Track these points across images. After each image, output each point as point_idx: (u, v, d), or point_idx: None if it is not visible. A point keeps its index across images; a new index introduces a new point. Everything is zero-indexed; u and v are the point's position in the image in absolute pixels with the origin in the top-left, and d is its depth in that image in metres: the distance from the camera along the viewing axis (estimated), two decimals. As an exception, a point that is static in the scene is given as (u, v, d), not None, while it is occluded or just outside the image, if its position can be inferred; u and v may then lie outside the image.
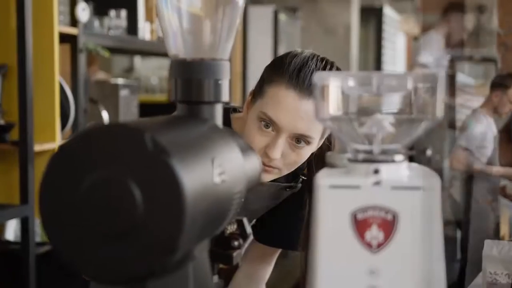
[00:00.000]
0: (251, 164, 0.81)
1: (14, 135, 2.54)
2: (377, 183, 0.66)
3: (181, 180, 0.58)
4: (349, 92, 0.68)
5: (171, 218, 0.58)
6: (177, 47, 0.77)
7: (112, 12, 3.29)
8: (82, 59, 2.92)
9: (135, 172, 0.59)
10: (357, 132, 0.69)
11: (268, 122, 1.28)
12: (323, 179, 0.67)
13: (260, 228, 1.54)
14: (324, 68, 1.30)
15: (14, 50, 2.51)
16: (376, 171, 0.66)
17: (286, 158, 1.31)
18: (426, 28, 7.94)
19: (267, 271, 1.62)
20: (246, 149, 0.82)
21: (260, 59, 4.67)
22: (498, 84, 3.72)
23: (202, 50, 0.77)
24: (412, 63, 4.61)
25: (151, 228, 0.59)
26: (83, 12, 2.84)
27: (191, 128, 0.71)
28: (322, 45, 5.55)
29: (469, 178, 3.87)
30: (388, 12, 7.52)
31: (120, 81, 3.51)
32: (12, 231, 2.84)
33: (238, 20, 0.80)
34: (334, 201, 0.66)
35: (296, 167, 1.35)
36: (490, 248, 1.77)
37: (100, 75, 4.49)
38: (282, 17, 5.34)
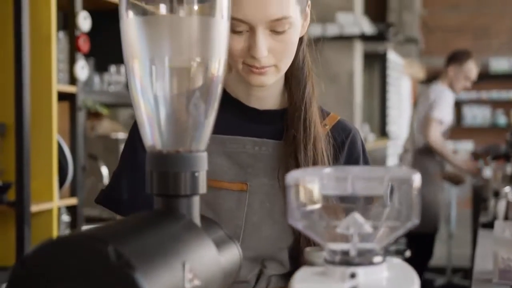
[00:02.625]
0: (228, 257, 0.79)
1: (11, 195, 2.52)
2: (353, 289, 0.63)
3: (146, 295, 0.56)
4: (323, 192, 0.66)
5: (135, 336, 0.56)
6: (154, 139, 0.75)
7: (113, 68, 3.30)
8: (81, 116, 2.91)
9: (98, 287, 0.56)
10: (333, 232, 0.66)
11: (237, 26, 1.17)
12: (299, 284, 0.64)
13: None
14: None
15: (12, 109, 2.51)
16: (353, 275, 0.64)
17: (275, 51, 1.21)
18: (430, 71, 7.96)
19: None
20: (224, 241, 0.79)
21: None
22: None
23: (179, 142, 0.76)
24: (426, 117, 4.47)
25: None
26: (82, 70, 2.84)
27: (162, 229, 0.68)
28: (325, 93, 5.54)
29: None
30: (392, 56, 7.53)
31: (121, 135, 3.50)
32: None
33: (216, 106, 0.78)
34: (309, 307, 0.64)
35: (292, 57, 1.25)
36: (502, 229, 1.54)
37: (106, 124, 4.47)
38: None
